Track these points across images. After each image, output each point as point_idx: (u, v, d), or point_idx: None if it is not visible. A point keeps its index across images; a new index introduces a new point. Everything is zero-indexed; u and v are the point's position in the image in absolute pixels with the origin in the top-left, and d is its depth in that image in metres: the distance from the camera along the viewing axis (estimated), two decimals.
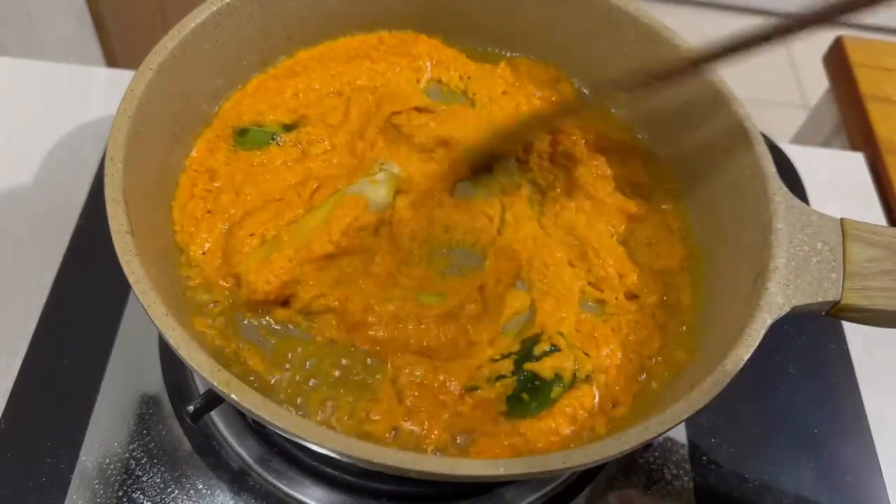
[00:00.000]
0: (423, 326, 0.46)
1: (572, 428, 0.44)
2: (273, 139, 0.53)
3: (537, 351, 0.46)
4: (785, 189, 0.47)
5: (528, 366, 0.45)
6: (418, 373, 0.45)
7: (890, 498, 0.55)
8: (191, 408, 0.43)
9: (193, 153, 0.52)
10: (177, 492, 0.48)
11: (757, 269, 0.45)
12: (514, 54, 0.62)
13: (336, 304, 0.47)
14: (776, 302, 0.43)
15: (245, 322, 0.46)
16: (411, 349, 0.46)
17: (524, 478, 0.38)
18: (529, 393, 0.45)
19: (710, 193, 0.53)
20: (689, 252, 0.53)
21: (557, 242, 0.52)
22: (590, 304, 0.50)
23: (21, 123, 0.67)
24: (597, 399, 0.45)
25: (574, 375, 0.46)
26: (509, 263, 0.50)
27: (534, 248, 0.51)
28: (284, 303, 0.47)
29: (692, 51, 0.48)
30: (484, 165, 0.54)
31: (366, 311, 0.46)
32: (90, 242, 0.58)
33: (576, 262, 0.51)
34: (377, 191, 0.51)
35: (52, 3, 1.05)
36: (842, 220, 0.46)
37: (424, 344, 0.46)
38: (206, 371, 0.37)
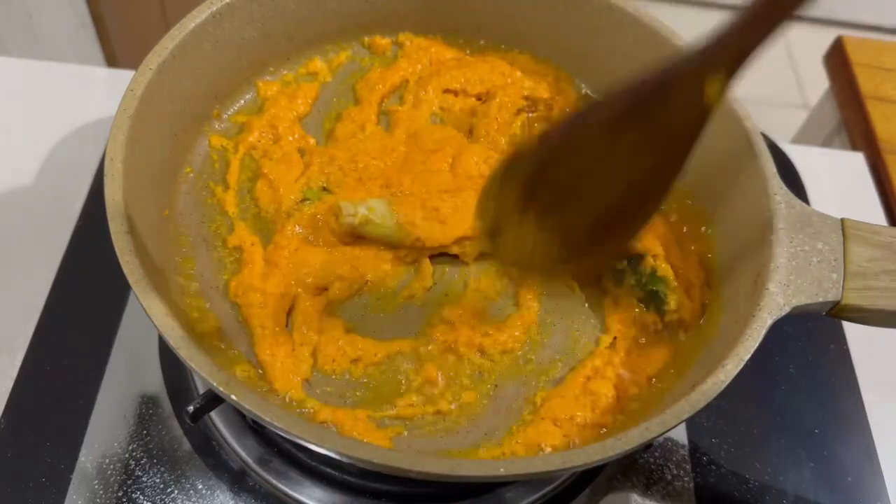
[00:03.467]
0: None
1: (572, 428, 0.44)
2: None
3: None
4: (785, 189, 0.47)
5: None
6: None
7: (890, 498, 0.54)
8: (191, 408, 0.43)
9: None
10: (176, 492, 0.48)
11: (757, 269, 0.45)
12: (514, 53, 0.62)
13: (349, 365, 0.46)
14: (776, 302, 0.43)
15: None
16: None
17: (524, 478, 0.38)
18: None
19: (711, 194, 0.53)
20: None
21: None
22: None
23: (21, 123, 0.67)
24: (609, 397, 0.46)
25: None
26: None
27: None
28: None
29: None
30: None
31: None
32: (90, 242, 0.58)
33: None
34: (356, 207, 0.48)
35: (52, 3, 1.05)
36: (842, 220, 0.46)
37: None
38: (206, 371, 0.37)
